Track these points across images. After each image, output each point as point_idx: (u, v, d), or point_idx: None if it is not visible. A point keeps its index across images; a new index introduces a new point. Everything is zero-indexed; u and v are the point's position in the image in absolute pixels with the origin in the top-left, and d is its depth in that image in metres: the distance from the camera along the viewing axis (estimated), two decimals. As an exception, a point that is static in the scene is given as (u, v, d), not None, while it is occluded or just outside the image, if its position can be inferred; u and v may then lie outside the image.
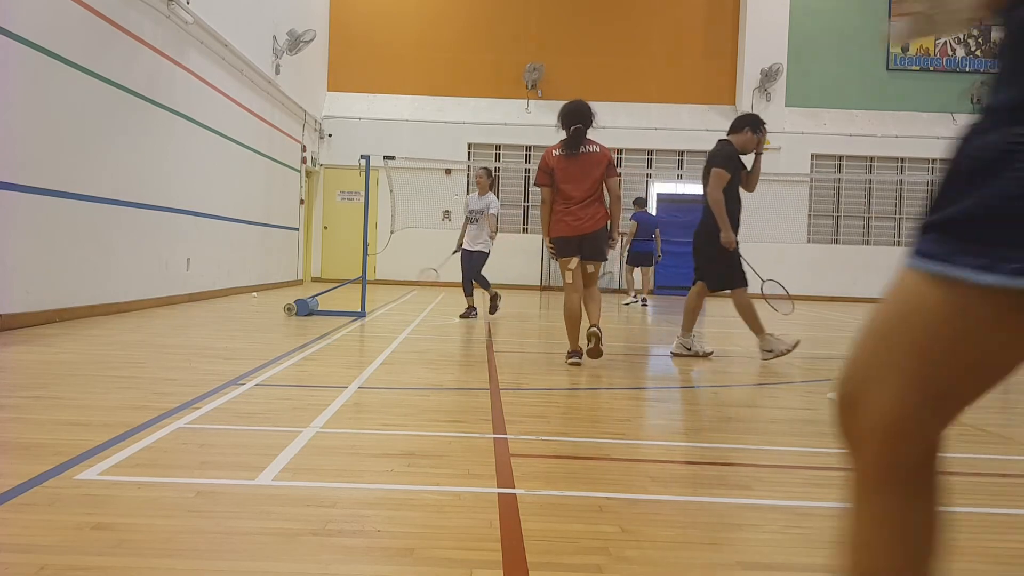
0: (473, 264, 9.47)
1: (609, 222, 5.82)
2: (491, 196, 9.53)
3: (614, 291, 12.36)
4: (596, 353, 5.74)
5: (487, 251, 9.52)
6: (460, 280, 9.64)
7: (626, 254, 13.62)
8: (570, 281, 5.82)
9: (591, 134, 5.88)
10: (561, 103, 6.01)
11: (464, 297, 9.70)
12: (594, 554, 2.08)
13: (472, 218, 9.49)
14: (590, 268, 5.87)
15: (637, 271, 13.54)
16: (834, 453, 3.35)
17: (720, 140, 6.54)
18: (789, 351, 6.20)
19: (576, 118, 5.77)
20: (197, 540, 2.09)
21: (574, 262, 5.78)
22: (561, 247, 5.82)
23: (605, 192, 5.86)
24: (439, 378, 5.03)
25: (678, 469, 3.13)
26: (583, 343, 5.88)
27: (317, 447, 3.08)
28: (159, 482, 2.56)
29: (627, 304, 13.20)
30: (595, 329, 5.74)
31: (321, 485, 2.58)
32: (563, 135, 5.86)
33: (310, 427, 3.40)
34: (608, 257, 5.99)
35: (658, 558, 2.08)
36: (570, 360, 5.77)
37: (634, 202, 13.88)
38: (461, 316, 9.45)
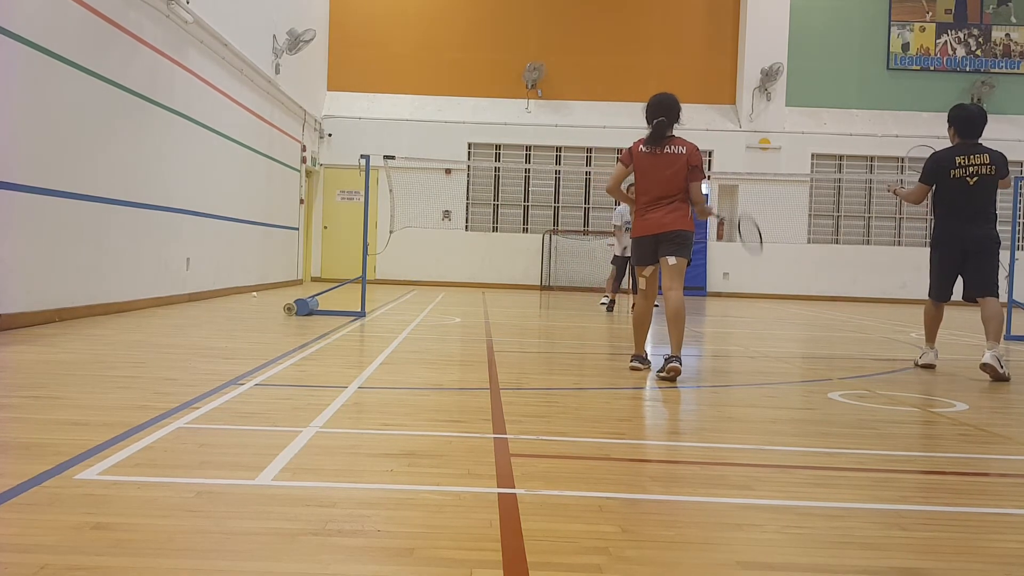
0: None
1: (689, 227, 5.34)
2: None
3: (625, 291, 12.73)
4: (668, 378, 5.10)
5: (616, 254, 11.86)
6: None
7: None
8: (643, 288, 5.54)
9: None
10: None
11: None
12: (594, 554, 2.08)
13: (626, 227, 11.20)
14: (671, 261, 5.29)
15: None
16: (834, 453, 3.35)
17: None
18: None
19: (659, 111, 5.45)
20: (197, 540, 2.09)
21: (648, 270, 5.46)
22: (639, 249, 5.45)
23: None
24: (439, 378, 5.03)
25: (678, 469, 3.12)
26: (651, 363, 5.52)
27: (317, 447, 3.08)
28: (159, 482, 2.56)
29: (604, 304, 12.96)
30: (675, 363, 5.04)
31: (321, 485, 2.58)
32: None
33: (310, 427, 3.39)
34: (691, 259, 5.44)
35: (658, 558, 2.08)
36: (632, 364, 5.50)
37: None
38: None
